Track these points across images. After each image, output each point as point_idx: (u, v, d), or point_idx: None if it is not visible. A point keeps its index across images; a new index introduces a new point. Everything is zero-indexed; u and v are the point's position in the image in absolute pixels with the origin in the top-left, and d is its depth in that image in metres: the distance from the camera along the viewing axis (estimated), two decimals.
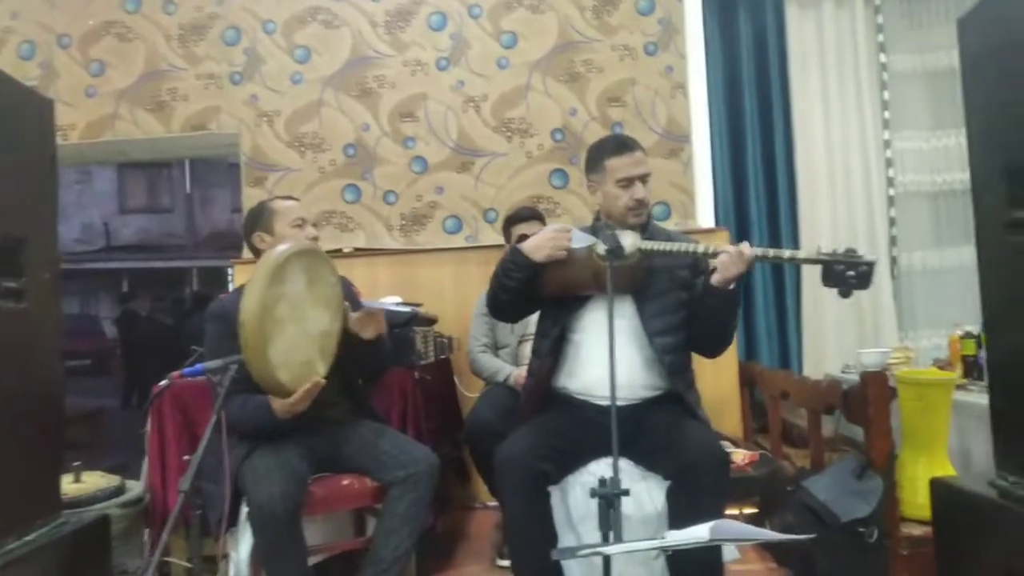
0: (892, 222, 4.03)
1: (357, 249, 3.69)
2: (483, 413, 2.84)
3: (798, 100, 3.94)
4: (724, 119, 3.92)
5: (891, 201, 4.04)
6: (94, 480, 2.52)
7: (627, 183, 2.13)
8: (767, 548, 2.62)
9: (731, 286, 1.98)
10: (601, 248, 1.98)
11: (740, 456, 2.89)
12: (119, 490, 2.49)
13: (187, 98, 3.76)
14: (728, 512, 2.78)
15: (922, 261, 4.06)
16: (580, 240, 2.11)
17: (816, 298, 3.86)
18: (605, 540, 1.52)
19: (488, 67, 3.75)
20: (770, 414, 3.27)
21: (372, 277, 3.57)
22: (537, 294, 2.15)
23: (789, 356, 3.95)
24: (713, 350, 2.19)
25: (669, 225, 3.67)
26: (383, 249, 3.70)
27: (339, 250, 3.67)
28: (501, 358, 3.11)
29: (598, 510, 1.57)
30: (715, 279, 1.97)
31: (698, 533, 1.42)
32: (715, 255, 1.99)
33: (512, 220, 3.16)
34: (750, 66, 3.94)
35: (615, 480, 1.58)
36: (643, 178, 2.14)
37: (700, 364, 3.39)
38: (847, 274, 1.91)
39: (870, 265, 1.90)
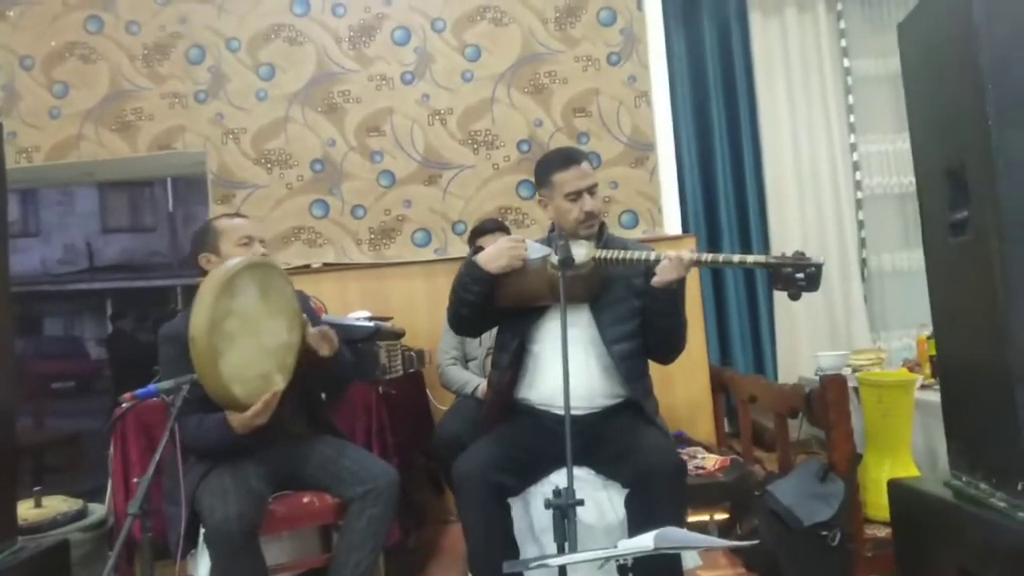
0: (861, 225, 4.07)
1: (326, 264, 3.68)
2: (450, 425, 2.84)
3: (764, 106, 3.98)
4: (692, 126, 3.95)
5: (859, 204, 4.09)
6: (55, 505, 2.49)
7: (575, 196, 2.13)
8: (737, 553, 2.62)
9: (671, 289, 2.00)
10: (555, 258, 1.99)
11: (711, 462, 2.90)
12: (81, 514, 2.47)
13: (152, 117, 3.75)
14: (698, 518, 2.80)
15: (891, 263, 4.10)
16: (535, 251, 2.12)
17: (788, 302, 3.86)
18: (561, 551, 1.52)
19: (453, 80, 3.77)
20: (740, 418, 3.28)
21: (342, 292, 3.56)
22: (496, 307, 2.16)
23: (764, 361, 3.97)
24: (665, 355, 2.20)
25: (636, 233, 3.70)
26: (352, 264, 3.70)
27: (308, 266, 3.67)
28: (470, 370, 3.11)
29: (553, 521, 1.56)
30: (654, 281, 2.00)
31: (643, 542, 1.42)
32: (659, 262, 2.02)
33: (477, 232, 3.17)
34: (716, 73, 3.98)
35: (570, 490, 1.57)
36: (591, 190, 2.14)
37: (673, 370, 3.43)
38: (796, 276, 1.92)
39: (818, 267, 1.91)
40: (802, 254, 1.93)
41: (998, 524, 1.59)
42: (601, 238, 2.22)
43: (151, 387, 1.89)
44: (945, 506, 1.81)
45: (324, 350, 2.13)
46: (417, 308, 3.53)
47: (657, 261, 2.02)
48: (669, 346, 2.17)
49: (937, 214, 1.82)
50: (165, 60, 3.76)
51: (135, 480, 2.31)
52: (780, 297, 3.87)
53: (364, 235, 3.75)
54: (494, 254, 2.09)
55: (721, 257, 2.04)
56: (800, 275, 1.92)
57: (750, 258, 2.02)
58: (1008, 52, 1.51)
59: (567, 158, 2.17)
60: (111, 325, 11.22)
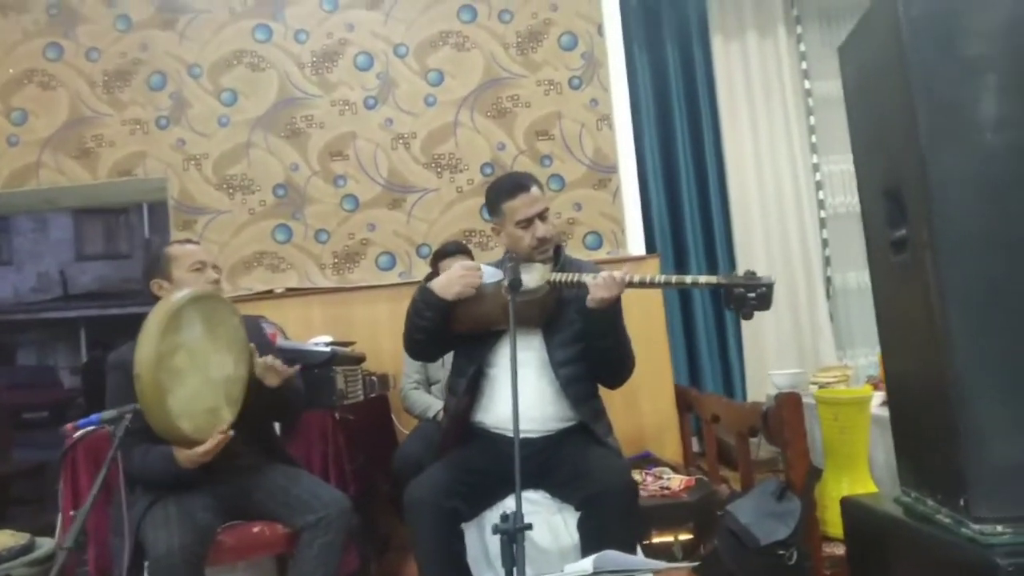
0: (825, 243, 4.12)
1: (289, 289, 3.66)
2: (409, 449, 2.81)
3: (728, 127, 4.03)
4: (656, 148, 4.00)
5: (823, 223, 4.13)
6: (1, 539, 2.43)
7: (527, 223, 2.11)
8: (697, 573, 2.60)
9: (606, 309, 1.98)
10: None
11: (676, 482, 2.89)
12: (27, 548, 2.40)
13: (113, 144, 3.73)
14: (662, 539, 2.78)
15: (856, 280, 4.14)
16: (490, 276, 2.12)
17: (755, 321, 3.89)
18: None
19: (416, 105, 3.78)
20: (705, 437, 3.28)
21: (306, 317, 3.54)
22: (451, 331, 2.14)
23: (732, 380, 3.98)
24: (608, 378, 2.18)
25: (600, 254, 3.71)
26: (316, 288, 3.68)
27: (271, 291, 3.64)
28: (433, 394, 3.09)
29: (500, 547, 1.54)
30: (587, 300, 1.98)
31: (583, 566, 1.41)
32: None
33: (439, 255, 3.16)
34: (679, 95, 4.04)
35: (518, 515, 1.55)
36: (542, 215, 2.13)
37: (639, 390, 3.45)
38: (747, 296, 1.92)
39: (768, 286, 1.91)
40: (753, 273, 1.93)
41: (944, 541, 1.59)
42: (558, 261, 2.21)
43: (93, 417, 1.86)
44: (895, 523, 1.82)
45: (271, 381, 2.10)
46: (381, 332, 3.50)
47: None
48: (610, 369, 2.14)
49: (879, 233, 1.84)
50: (126, 86, 3.75)
51: (72, 513, 2.26)
52: None
53: (328, 259, 3.73)
54: (447, 281, 2.08)
55: (674, 278, 2.04)
56: (752, 295, 1.93)
57: (702, 279, 2.00)
58: (935, 72, 1.54)
59: (516, 185, 2.15)
60: (86, 353, 11.08)
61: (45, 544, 2.49)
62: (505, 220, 2.15)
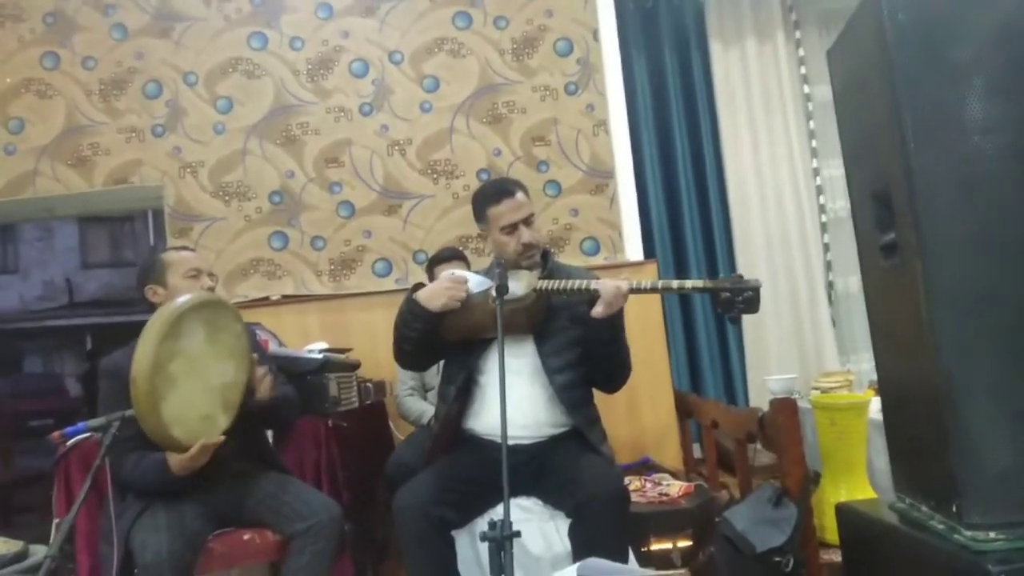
0: (826, 248, 4.09)
1: (285, 296, 3.65)
2: (403, 456, 2.81)
3: (727, 133, 4.02)
4: (655, 153, 3.99)
5: (824, 227, 4.11)
6: None
7: (511, 229, 2.13)
8: None
9: (611, 318, 1.99)
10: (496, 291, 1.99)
11: (675, 488, 2.86)
12: (20, 555, 2.40)
13: (109, 152, 3.73)
14: (661, 545, 2.76)
15: (858, 285, 4.08)
16: (478, 285, 2.12)
17: (756, 326, 3.89)
18: None
19: (412, 111, 3.78)
20: (705, 443, 3.26)
21: (302, 324, 3.54)
22: (441, 341, 2.14)
23: (734, 385, 3.96)
24: (608, 384, 2.19)
25: (598, 259, 3.70)
26: (312, 295, 3.67)
27: (267, 298, 3.63)
28: (428, 401, 3.08)
29: (488, 554, 1.54)
30: (593, 312, 1.98)
31: (569, 573, 1.40)
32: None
33: (435, 261, 3.16)
34: (678, 100, 4.03)
35: (506, 522, 1.54)
36: (527, 220, 2.14)
37: (638, 396, 3.44)
38: (735, 300, 1.92)
39: (755, 290, 1.91)
40: (740, 277, 1.94)
41: (937, 547, 1.57)
42: (546, 267, 2.21)
43: (80, 424, 1.86)
44: (890, 529, 1.80)
45: (262, 393, 2.09)
46: (378, 339, 3.48)
47: (597, 289, 2.02)
48: (611, 375, 2.15)
49: (869, 237, 1.83)
50: (122, 95, 3.76)
51: (56, 521, 2.26)
52: (749, 320, 3.88)
53: (324, 266, 3.73)
54: (432, 293, 2.08)
55: (660, 284, 2.05)
56: (740, 298, 1.92)
57: (688, 283, 2.02)
58: (921, 75, 1.52)
59: (500, 191, 2.17)
60: (87, 362, 11.10)
61: (39, 552, 2.49)
62: (490, 226, 2.16)
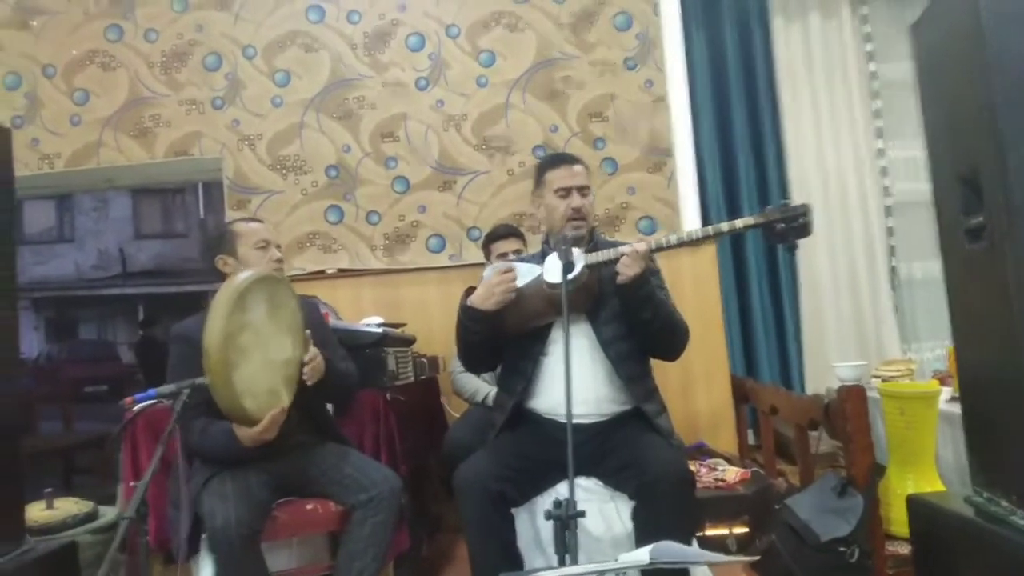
0: (890, 232, 3.98)
1: (341, 270, 3.67)
2: (459, 434, 2.81)
3: (788, 111, 3.91)
4: (713, 131, 3.89)
5: (888, 211, 3.99)
6: (66, 507, 2.51)
7: (564, 193, 2.17)
8: (754, 568, 2.55)
9: (639, 282, 1.99)
10: (549, 276, 2.01)
11: (731, 474, 2.83)
12: (91, 516, 2.48)
13: (170, 124, 3.78)
14: (717, 531, 2.73)
15: (922, 271, 3.98)
16: (526, 274, 2.11)
17: (815, 311, 3.81)
18: (562, 563, 1.47)
19: (468, 86, 3.75)
20: (762, 430, 3.20)
21: (356, 298, 3.56)
22: (503, 335, 2.14)
23: (790, 371, 3.88)
24: (661, 350, 2.18)
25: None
26: (367, 269, 3.68)
27: (323, 271, 3.66)
28: (483, 378, 3.07)
29: (553, 533, 1.52)
30: (618, 279, 2.00)
31: (639, 556, 1.37)
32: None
33: (491, 238, 3.14)
34: (738, 78, 3.92)
35: (571, 502, 1.52)
36: (581, 190, 2.18)
37: (694, 380, 3.39)
38: (790, 228, 1.94)
39: (806, 212, 1.92)
40: (786, 204, 1.97)
41: (1018, 543, 1.52)
42: (592, 242, 2.22)
43: (151, 391, 1.89)
44: (966, 523, 1.73)
45: (308, 374, 2.09)
46: (431, 314, 3.50)
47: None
48: (660, 340, 2.13)
49: (952, 220, 1.75)
50: (183, 67, 3.80)
51: (132, 484, 2.31)
52: (807, 306, 3.80)
53: (378, 241, 3.74)
54: (484, 294, 2.08)
55: (687, 234, 2.05)
56: (793, 225, 1.94)
57: (738, 222, 2.02)
58: (1015, 51, 1.44)
59: (560, 158, 2.27)
60: (140, 331, 11.38)
61: (108, 513, 2.57)
62: (545, 189, 2.22)
